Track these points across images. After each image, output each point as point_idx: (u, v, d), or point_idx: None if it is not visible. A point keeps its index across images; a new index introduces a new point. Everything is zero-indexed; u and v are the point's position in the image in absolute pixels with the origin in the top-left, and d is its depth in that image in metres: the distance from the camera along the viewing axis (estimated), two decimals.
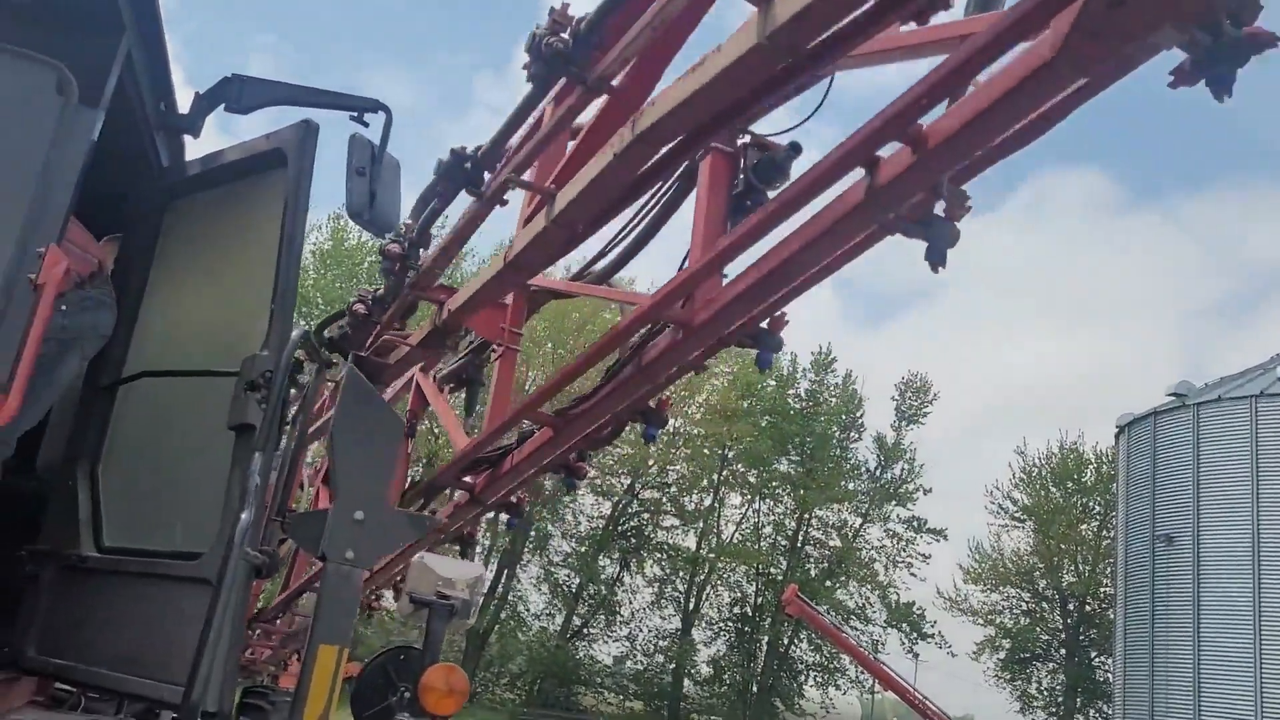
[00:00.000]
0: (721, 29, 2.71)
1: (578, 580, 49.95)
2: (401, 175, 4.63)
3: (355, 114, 5.01)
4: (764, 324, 4.32)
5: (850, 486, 52.87)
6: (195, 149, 5.42)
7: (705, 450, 49.31)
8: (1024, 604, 53.43)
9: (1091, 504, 52.50)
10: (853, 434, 53.50)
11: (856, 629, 48.83)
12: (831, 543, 52.42)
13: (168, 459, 4.62)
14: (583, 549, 49.45)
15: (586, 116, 3.89)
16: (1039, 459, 53.63)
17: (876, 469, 53.77)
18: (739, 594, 52.47)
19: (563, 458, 5.79)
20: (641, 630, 51.09)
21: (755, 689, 49.84)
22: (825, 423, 52.48)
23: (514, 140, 4.16)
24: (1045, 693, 52.10)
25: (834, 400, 53.50)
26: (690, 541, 51.41)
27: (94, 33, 4.26)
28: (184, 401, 4.63)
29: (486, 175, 4.35)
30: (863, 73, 2.65)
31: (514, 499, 6.80)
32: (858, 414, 53.28)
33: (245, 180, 4.69)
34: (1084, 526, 52.44)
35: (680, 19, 3.09)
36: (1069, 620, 52.21)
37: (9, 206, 3.94)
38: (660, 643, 50.75)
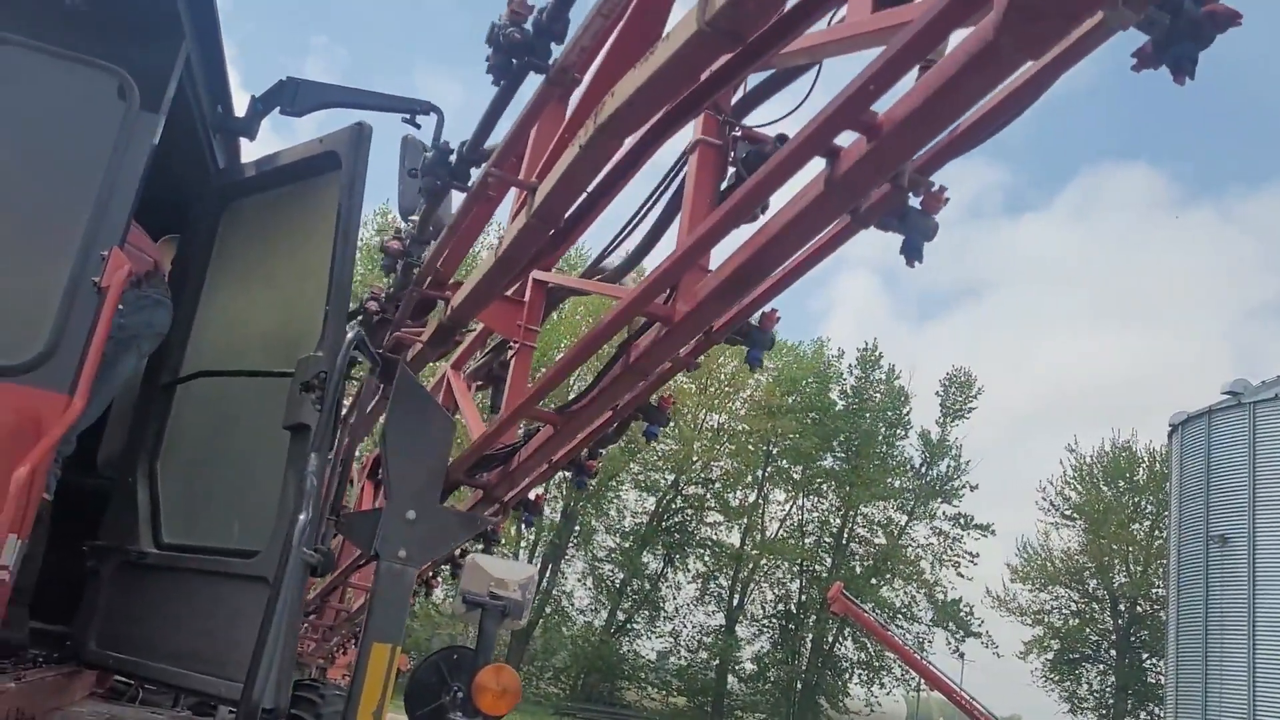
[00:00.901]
0: None
1: (621, 575, 50.08)
2: None
3: (407, 115, 5.06)
4: (755, 321, 4.23)
5: (896, 484, 52.48)
6: (250, 150, 5.51)
7: (750, 446, 49.18)
8: (1074, 604, 52.75)
9: (1144, 503, 51.72)
10: (899, 430, 53.12)
11: (902, 627, 48.43)
12: (877, 540, 52.11)
13: (224, 457, 4.69)
14: (627, 544, 49.54)
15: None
16: (1091, 457, 53.03)
17: (921, 465, 53.36)
18: (783, 590, 52.33)
19: (572, 455, 5.76)
20: (685, 626, 51.21)
21: (800, 686, 49.64)
22: (871, 419, 52.11)
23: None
24: (1095, 694, 51.40)
25: (879, 396, 53.12)
26: (734, 538, 51.41)
27: (154, 38, 4.32)
28: (240, 401, 4.69)
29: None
30: (859, 61, 2.52)
31: (531, 497, 6.79)
32: (904, 410, 52.89)
33: (300, 182, 4.74)
34: (1136, 526, 51.64)
35: (641, 6, 2.99)
36: (1120, 621, 51.41)
37: (73, 210, 4.01)
38: (704, 639, 50.74)
